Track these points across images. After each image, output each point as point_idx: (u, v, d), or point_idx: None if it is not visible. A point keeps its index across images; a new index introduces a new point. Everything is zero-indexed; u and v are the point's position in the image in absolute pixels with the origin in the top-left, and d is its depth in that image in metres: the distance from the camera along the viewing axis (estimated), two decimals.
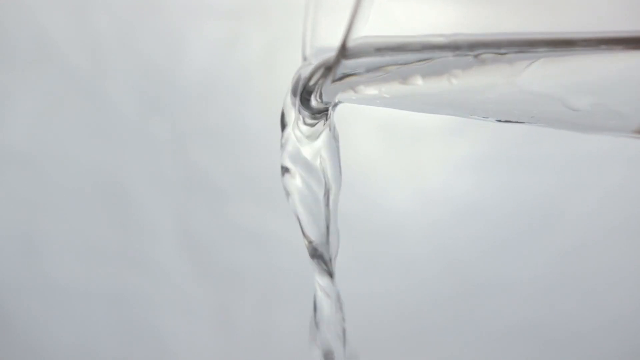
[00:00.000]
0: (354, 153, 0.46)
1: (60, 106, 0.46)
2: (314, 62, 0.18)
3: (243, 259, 0.47)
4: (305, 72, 0.18)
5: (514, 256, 0.47)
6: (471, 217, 0.46)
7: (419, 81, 0.15)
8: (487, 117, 0.18)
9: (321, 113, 0.19)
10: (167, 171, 0.46)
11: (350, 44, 0.14)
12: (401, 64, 0.15)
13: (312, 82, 0.18)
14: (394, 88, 0.16)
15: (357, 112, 0.45)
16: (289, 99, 0.19)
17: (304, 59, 0.18)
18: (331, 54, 0.17)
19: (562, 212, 0.46)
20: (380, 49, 0.15)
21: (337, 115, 0.20)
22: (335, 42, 0.17)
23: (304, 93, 0.18)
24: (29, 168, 0.46)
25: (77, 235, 0.47)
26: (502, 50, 0.15)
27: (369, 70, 0.16)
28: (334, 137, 0.21)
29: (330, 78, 0.16)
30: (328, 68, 0.17)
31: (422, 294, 0.47)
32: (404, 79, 0.15)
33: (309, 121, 0.19)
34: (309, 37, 0.18)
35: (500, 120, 0.18)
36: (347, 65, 0.15)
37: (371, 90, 0.16)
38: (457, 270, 0.47)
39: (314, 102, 0.18)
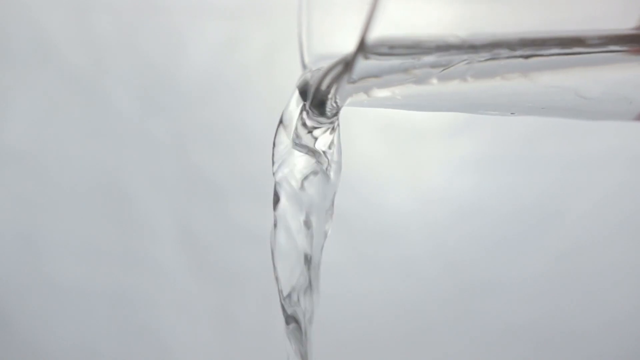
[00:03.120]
0: (354, 153, 0.46)
1: (60, 106, 0.46)
2: (314, 68, 0.18)
3: (243, 259, 0.47)
4: (316, 77, 0.17)
5: (514, 256, 0.47)
6: (471, 217, 0.46)
7: (434, 81, 0.15)
8: (497, 112, 0.18)
9: (326, 122, 0.19)
10: (167, 171, 0.46)
11: (369, 42, 0.13)
12: (417, 68, 0.15)
13: (324, 87, 0.17)
14: (408, 89, 0.16)
15: (357, 113, 0.45)
16: (290, 110, 0.19)
17: (304, 67, 0.18)
18: (340, 58, 0.16)
19: (562, 212, 0.46)
20: (395, 49, 0.14)
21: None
22: (332, 48, 0.17)
23: (316, 96, 0.17)
24: (29, 168, 0.46)
25: (77, 235, 0.47)
26: (517, 52, 0.15)
27: (384, 72, 0.15)
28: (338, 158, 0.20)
29: (346, 79, 0.15)
30: (344, 70, 0.16)
31: (422, 294, 0.47)
32: (419, 79, 0.15)
33: (312, 132, 0.19)
34: (306, 44, 0.17)
35: (512, 113, 0.18)
36: (365, 65, 0.14)
37: (384, 93, 0.16)
38: (457, 270, 0.47)
39: (328, 107, 0.17)
